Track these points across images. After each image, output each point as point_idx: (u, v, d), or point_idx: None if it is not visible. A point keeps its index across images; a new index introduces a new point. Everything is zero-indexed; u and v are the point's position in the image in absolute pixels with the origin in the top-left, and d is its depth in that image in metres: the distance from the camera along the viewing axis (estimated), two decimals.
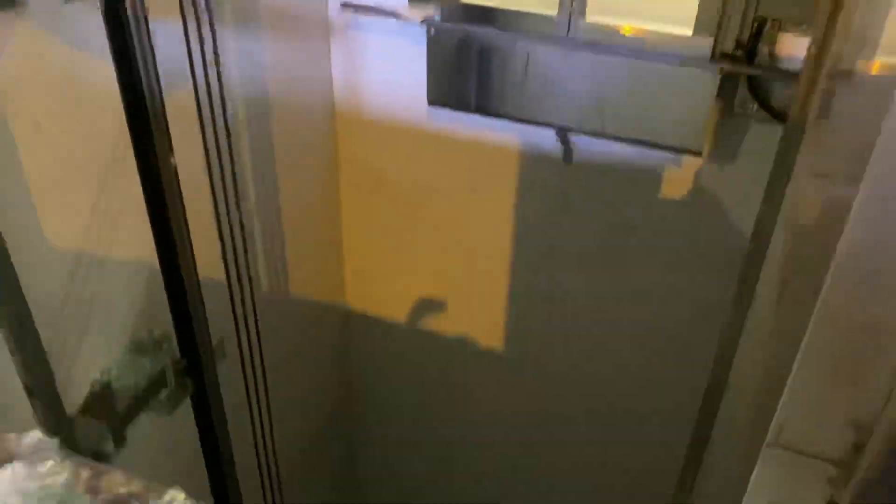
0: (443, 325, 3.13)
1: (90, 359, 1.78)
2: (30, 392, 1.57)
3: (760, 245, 1.37)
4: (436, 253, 2.98)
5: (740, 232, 2.25)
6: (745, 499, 0.84)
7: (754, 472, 0.82)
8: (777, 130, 1.90)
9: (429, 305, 3.12)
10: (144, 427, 1.84)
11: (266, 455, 2.38)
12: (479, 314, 3.04)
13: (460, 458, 3.50)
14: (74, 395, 1.70)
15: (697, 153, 2.26)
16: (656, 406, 2.86)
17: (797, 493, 0.80)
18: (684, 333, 2.61)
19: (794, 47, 2.02)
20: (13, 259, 1.45)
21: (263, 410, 2.32)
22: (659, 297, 2.59)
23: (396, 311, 3.19)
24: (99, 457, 1.71)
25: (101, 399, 1.73)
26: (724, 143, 2.24)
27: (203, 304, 1.92)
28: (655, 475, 2.72)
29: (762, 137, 2.15)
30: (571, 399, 3.04)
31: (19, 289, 1.49)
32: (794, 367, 0.74)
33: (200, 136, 1.83)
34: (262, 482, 2.39)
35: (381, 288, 3.18)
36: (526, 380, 3.09)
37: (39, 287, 1.56)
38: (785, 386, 0.75)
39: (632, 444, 3.03)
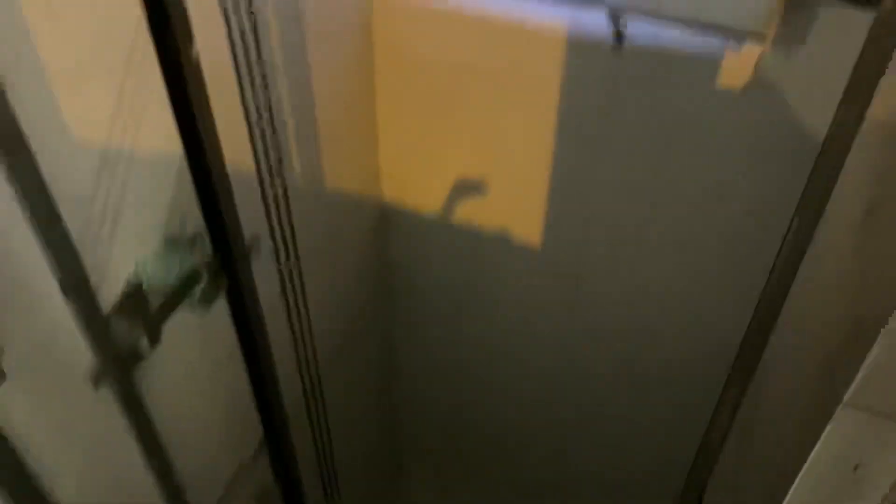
0: (480, 216, 3.06)
1: (123, 256, 1.75)
2: (64, 291, 1.56)
3: (837, 150, 1.22)
4: (474, 143, 2.86)
5: (810, 131, 2.07)
6: (811, 457, 0.78)
7: (826, 432, 0.76)
8: (854, 15, 1.71)
9: (466, 196, 3.03)
10: (180, 324, 1.84)
11: (304, 348, 2.39)
12: (518, 207, 2.94)
13: (496, 350, 3.52)
14: (109, 293, 1.69)
15: (761, 37, 2.07)
16: (701, 317, 2.78)
17: (876, 456, 0.73)
18: (739, 242, 2.48)
19: None
20: (37, 155, 1.40)
21: (300, 305, 2.31)
22: (713, 199, 2.45)
23: (432, 202, 3.11)
24: (134, 355, 1.72)
25: (135, 297, 1.71)
26: (792, 27, 2.03)
27: (233, 198, 1.87)
28: (697, 393, 2.67)
29: (837, 23, 1.94)
30: (610, 299, 2.98)
31: (45, 186, 1.45)
32: (892, 321, 0.65)
33: (224, 21, 1.71)
34: (301, 375, 2.41)
35: (417, 178, 3.09)
36: (564, 277, 3.03)
37: (66, 184, 1.51)
38: (865, 334, 0.66)
39: (672, 355, 2.98)
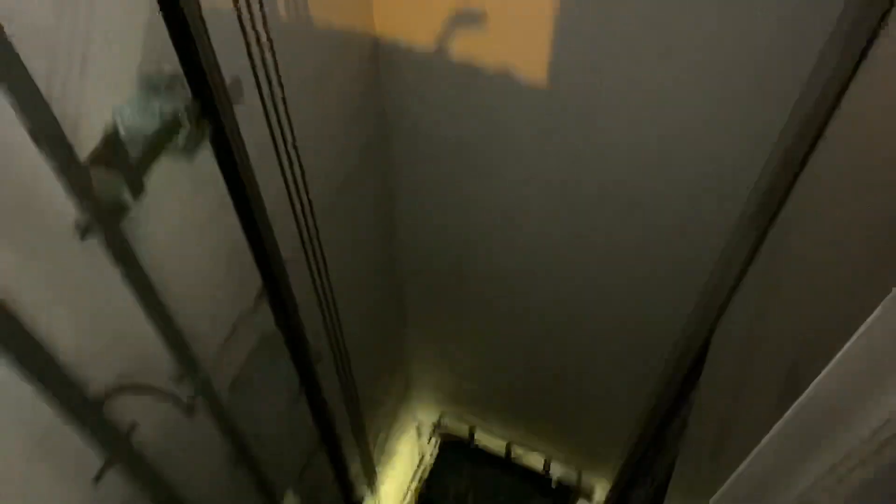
0: (481, 52, 2.86)
1: (97, 103, 1.63)
2: (35, 139, 1.46)
3: None
4: None
5: None
6: (865, 325, 0.72)
7: (872, 316, 0.70)
8: None
9: (464, 29, 2.82)
10: (166, 174, 1.75)
11: (297, 194, 2.32)
12: (520, 41, 2.74)
13: (497, 193, 3.44)
14: (86, 142, 1.59)
15: None
16: (716, 162, 2.65)
17: None
18: (763, 89, 2.30)
19: None
20: None
21: (290, 149, 2.21)
22: (732, 40, 2.25)
23: (428, 36, 2.90)
24: (119, 206, 1.64)
25: (113, 145, 1.61)
26: None
27: (209, 36, 1.72)
28: (705, 239, 2.61)
29: None
30: (618, 142, 2.86)
31: None
32: None
33: None
34: (297, 221, 2.36)
35: (412, 9, 2.86)
36: (569, 116, 2.89)
37: (21, 19, 1.37)
38: None
39: (681, 205, 2.90)
